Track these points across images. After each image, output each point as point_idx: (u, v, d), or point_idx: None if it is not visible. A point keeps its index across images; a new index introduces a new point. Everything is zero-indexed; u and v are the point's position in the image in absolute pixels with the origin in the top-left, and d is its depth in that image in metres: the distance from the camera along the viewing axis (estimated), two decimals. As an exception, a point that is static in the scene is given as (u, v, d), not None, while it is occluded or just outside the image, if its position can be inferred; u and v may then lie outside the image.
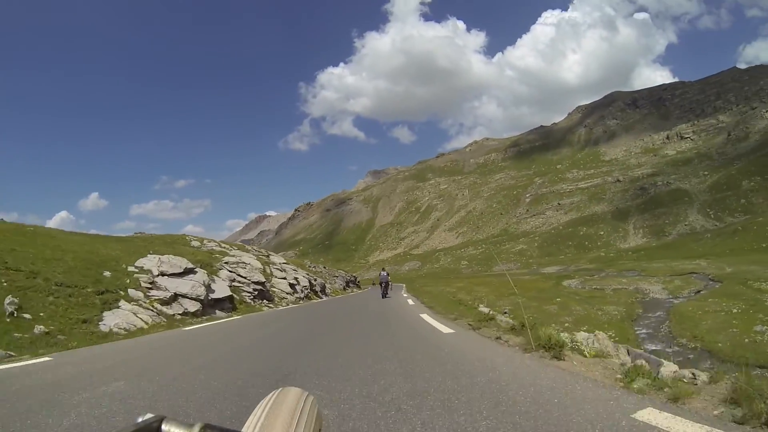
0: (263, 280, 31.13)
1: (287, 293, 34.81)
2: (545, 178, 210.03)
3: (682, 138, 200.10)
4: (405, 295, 37.06)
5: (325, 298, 43.41)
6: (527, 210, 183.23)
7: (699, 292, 37.87)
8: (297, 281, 39.29)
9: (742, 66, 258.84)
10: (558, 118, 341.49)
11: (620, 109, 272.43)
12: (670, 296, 38.09)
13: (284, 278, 37.47)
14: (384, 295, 32.29)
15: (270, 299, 30.30)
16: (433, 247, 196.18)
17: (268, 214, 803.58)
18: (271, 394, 1.28)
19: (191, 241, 40.33)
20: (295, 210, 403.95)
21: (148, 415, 0.90)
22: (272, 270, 38.87)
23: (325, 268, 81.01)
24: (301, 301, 34.98)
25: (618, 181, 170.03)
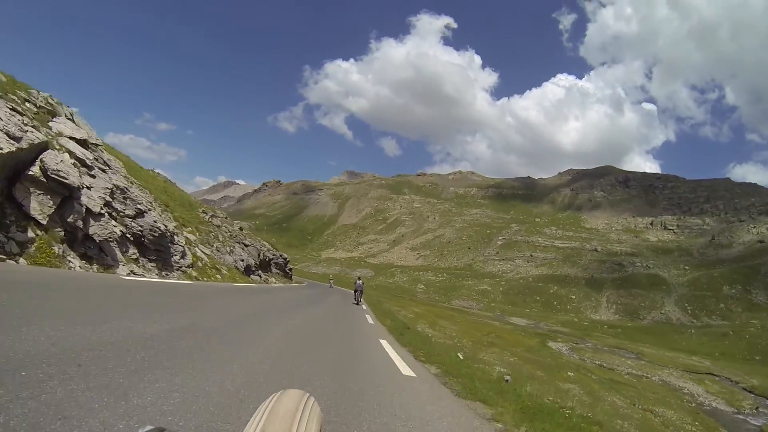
0: None
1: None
2: (522, 226, 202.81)
3: (665, 228, 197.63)
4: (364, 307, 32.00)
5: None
6: (497, 252, 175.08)
7: (758, 409, 28.83)
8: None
9: (736, 180, 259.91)
10: (543, 175, 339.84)
11: (610, 184, 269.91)
12: (734, 410, 28.54)
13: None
14: (356, 303, 34.37)
15: None
16: (390, 261, 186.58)
17: (237, 181, 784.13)
18: (271, 397, 1.27)
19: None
20: (263, 184, 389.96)
21: (148, 427, 0.90)
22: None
23: (223, 218, 45.02)
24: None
25: (596, 250, 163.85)
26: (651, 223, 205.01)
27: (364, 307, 32.13)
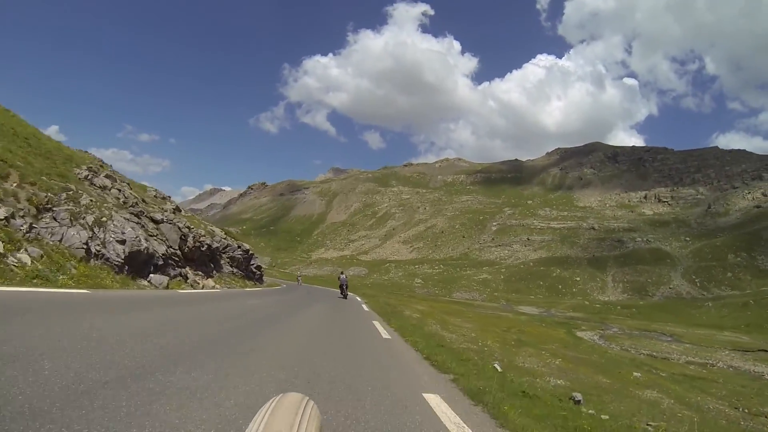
0: None
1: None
2: (515, 209, 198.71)
3: (659, 201, 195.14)
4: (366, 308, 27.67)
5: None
6: (492, 239, 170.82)
7: None
8: None
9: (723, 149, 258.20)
10: (529, 157, 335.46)
11: (599, 160, 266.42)
12: None
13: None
14: (344, 297, 37.79)
15: None
16: (383, 257, 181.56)
17: (223, 188, 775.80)
18: (271, 400, 1.27)
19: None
20: (249, 187, 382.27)
21: None
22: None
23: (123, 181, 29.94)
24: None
25: (593, 228, 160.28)
26: (645, 197, 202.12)
27: (365, 308, 28.25)
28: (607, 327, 54.03)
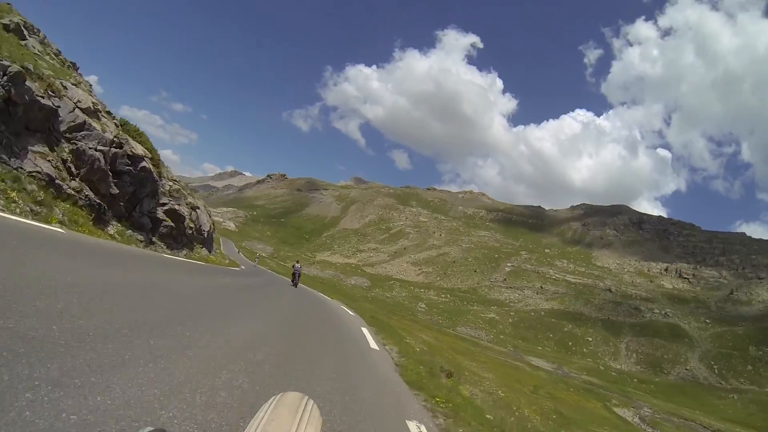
0: None
1: None
2: (532, 255, 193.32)
3: (680, 276, 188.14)
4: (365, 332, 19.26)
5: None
6: (504, 279, 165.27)
7: None
8: None
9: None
10: (550, 207, 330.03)
11: (623, 224, 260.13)
12: None
13: None
14: (295, 285, 38.58)
15: None
16: (389, 273, 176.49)
17: (244, 173, 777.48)
18: (271, 399, 1.26)
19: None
20: (268, 175, 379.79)
21: (148, 429, 0.89)
22: None
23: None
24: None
25: (609, 290, 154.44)
26: (665, 270, 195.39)
27: (366, 332, 18.66)
28: (638, 405, 49.04)
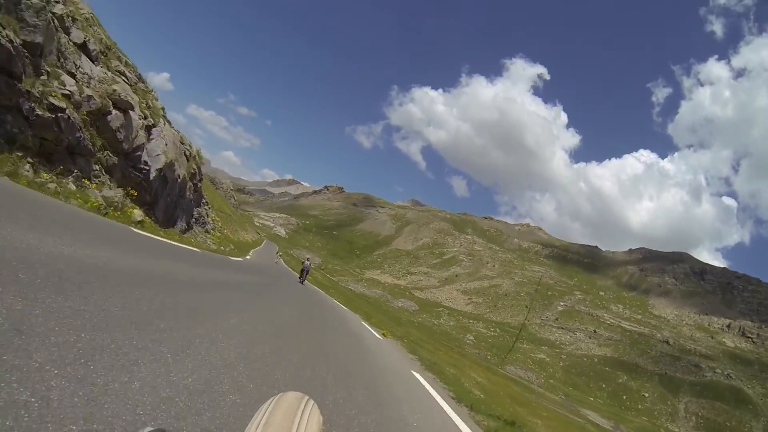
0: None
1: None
2: (586, 296, 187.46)
3: (744, 335, 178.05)
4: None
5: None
6: (557, 318, 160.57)
7: None
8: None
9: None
10: (604, 248, 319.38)
11: (684, 272, 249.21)
12: None
13: None
14: (302, 282, 37.36)
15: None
16: (438, 300, 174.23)
17: (302, 183, 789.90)
18: (271, 399, 1.26)
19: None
20: (325, 187, 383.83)
21: (148, 429, 0.89)
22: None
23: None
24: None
25: (667, 343, 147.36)
26: (728, 326, 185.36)
27: (416, 372, 14.30)
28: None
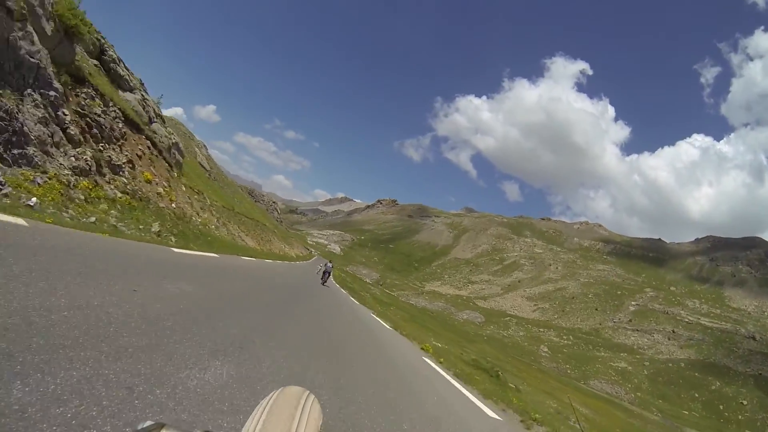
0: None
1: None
2: (658, 293, 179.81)
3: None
4: None
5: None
6: (630, 320, 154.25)
7: None
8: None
9: None
10: (670, 241, 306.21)
11: (759, 259, 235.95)
12: None
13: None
14: (323, 283, 36.52)
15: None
16: (503, 308, 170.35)
17: (354, 200, 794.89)
18: (271, 394, 1.26)
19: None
20: (378, 201, 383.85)
21: (148, 423, 0.90)
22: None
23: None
24: None
25: (753, 338, 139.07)
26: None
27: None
28: None
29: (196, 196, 31.37)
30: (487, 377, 18.91)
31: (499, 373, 21.77)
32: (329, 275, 38.54)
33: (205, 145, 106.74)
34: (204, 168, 45.66)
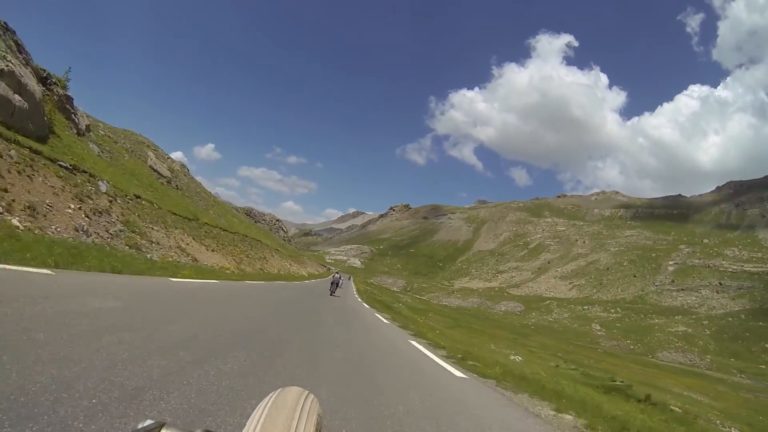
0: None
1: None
2: (694, 248, 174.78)
3: None
4: None
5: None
6: (672, 281, 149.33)
7: None
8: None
9: None
10: (690, 195, 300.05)
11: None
12: None
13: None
14: (332, 293, 35.81)
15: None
16: (538, 293, 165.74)
17: (366, 212, 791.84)
18: (271, 394, 1.26)
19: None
20: (390, 208, 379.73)
21: (149, 422, 0.89)
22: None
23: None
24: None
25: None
26: None
27: None
28: None
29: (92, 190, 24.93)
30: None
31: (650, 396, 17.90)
32: (337, 286, 38.10)
33: (182, 159, 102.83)
34: (160, 174, 42.35)
